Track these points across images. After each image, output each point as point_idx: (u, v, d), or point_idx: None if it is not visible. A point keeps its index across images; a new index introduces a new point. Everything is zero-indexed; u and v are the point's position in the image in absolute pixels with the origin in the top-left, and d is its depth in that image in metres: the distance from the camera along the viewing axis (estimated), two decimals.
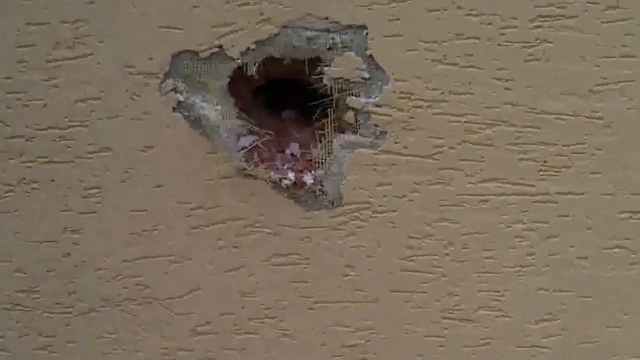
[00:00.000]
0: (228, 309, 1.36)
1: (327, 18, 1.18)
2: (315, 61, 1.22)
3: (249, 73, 1.22)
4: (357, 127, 1.24)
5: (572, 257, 1.29)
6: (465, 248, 1.30)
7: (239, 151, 1.26)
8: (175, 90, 1.22)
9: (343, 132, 1.25)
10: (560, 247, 1.29)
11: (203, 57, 1.21)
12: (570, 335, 1.34)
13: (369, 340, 1.36)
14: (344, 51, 1.19)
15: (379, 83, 1.21)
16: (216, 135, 1.25)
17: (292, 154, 1.30)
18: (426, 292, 1.33)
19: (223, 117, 1.24)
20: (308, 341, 1.37)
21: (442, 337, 1.35)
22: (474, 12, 1.17)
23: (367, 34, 1.18)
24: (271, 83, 1.30)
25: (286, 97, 1.36)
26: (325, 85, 1.22)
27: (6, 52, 1.22)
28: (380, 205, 1.27)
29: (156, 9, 1.19)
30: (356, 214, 1.28)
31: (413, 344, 1.36)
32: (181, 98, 1.23)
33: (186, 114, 1.24)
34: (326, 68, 1.21)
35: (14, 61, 1.22)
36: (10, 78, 1.23)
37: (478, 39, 1.18)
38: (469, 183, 1.26)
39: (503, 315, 1.33)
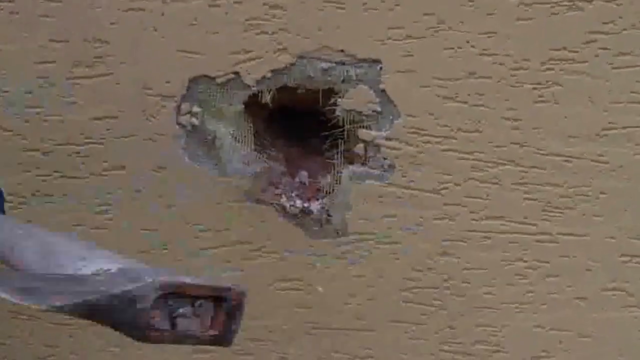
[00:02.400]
0: None
1: (343, 51, 1.19)
2: (329, 92, 1.23)
3: (263, 101, 1.23)
4: (367, 159, 1.25)
5: (570, 297, 1.30)
6: (466, 283, 1.31)
7: (249, 176, 1.27)
8: (190, 113, 1.24)
9: (352, 164, 1.27)
10: (559, 287, 1.30)
11: (219, 82, 1.22)
12: None
13: None
14: (357, 84, 1.21)
15: (390, 117, 1.22)
16: (228, 159, 1.26)
17: (301, 182, 1.31)
18: (425, 324, 1.34)
19: (236, 142, 1.26)
20: None
21: None
22: (487, 52, 1.18)
23: (381, 68, 1.20)
24: (284, 111, 1.32)
25: (298, 125, 1.37)
26: (338, 116, 1.24)
27: (27, 67, 1.23)
28: (384, 237, 1.29)
29: (177, 33, 1.20)
30: (360, 244, 1.30)
31: None
32: (196, 121, 1.24)
33: (200, 137, 1.25)
34: (339, 100, 1.22)
35: (34, 76, 1.23)
36: (30, 92, 1.24)
37: (490, 78, 1.19)
38: (472, 220, 1.27)
39: (499, 351, 1.34)
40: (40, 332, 1.39)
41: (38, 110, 1.25)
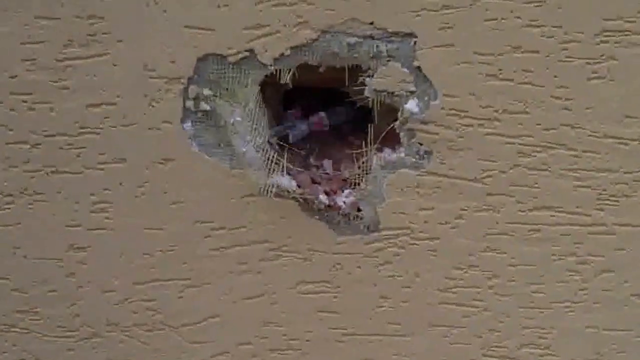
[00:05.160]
0: (248, 338, 1.30)
1: (372, 23, 1.10)
2: (356, 71, 1.15)
3: (282, 81, 1.15)
4: (400, 145, 1.17)
5: (627, 294, 1.23)
6: (512, 281, 1.23)
7: (266, 167, 1.18)
8: (199, 97, 1.15)
9: (383, 151, 1.18)
10: (615, 283, 1.23)
11: (232, 61, 1.13)
12: None
13: None
14: (388, 61, 1.12)
15: (426, 98, 1.13)
16: (242, 148, 1.17)
17: (325, 172, 1.24)
18: (467, 327, 1.27)
19: (251, 129, 1.17)
20: None
21: None
22: (534, 24, 1.09)
23: (415, 43, 1.11)
24: (306, 93, 1.25)
25: (321, 109, 1.30)
26: (366, 97, 1.15)
27: (12, 49, 1.14)
28: (421, 232, 1.21)
29: (181, 6, 1.11)
30: (394, 240, 1.22)
31: None
32: (206, 106, 1.15)
33: (210, 124, 1.17)
34: (368, 79, 1.14)
35: (19, 59, 1.14)
36: (15, 77, 1.16)
37: (537, 52, 1.10)
38: (519, 211, 1.19)
39: (549, 354, 1.28)
40: (35, 347, 1.33)
41: (25, 97, 1.17)
